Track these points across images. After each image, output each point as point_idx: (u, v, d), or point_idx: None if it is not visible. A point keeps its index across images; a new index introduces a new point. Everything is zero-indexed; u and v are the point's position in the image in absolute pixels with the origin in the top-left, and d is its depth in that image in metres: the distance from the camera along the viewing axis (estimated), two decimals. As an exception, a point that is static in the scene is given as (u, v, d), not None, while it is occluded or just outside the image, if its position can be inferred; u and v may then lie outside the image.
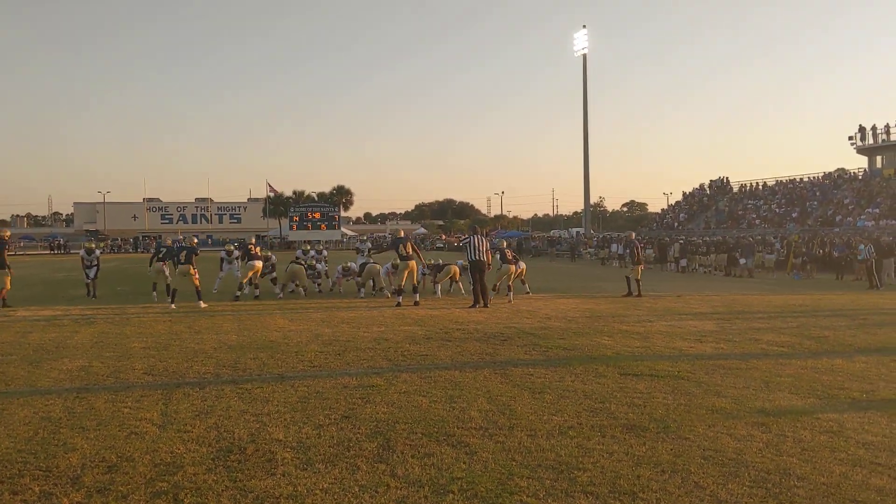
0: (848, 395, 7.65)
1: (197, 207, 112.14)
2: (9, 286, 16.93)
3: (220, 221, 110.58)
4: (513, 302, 18.67)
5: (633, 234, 21.97)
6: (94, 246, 21.77)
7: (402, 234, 19.43)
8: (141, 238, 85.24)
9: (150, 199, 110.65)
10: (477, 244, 17.71)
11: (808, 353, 10.41)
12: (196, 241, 20.59)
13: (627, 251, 21.55)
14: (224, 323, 14.02)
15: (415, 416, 6.89)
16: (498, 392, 7.86)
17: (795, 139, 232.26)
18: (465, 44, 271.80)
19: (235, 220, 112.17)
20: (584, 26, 69.11)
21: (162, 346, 11.19)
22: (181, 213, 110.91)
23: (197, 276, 17.48)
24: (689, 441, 5.96)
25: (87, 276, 20.69)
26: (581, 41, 69.51)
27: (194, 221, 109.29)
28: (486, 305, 17.20)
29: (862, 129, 53.10)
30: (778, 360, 9.79)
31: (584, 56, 69.07)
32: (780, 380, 8.45)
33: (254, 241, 19.50)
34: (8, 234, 17.76)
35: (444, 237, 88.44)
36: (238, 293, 19.39)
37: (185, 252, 17.61)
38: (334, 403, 7.40)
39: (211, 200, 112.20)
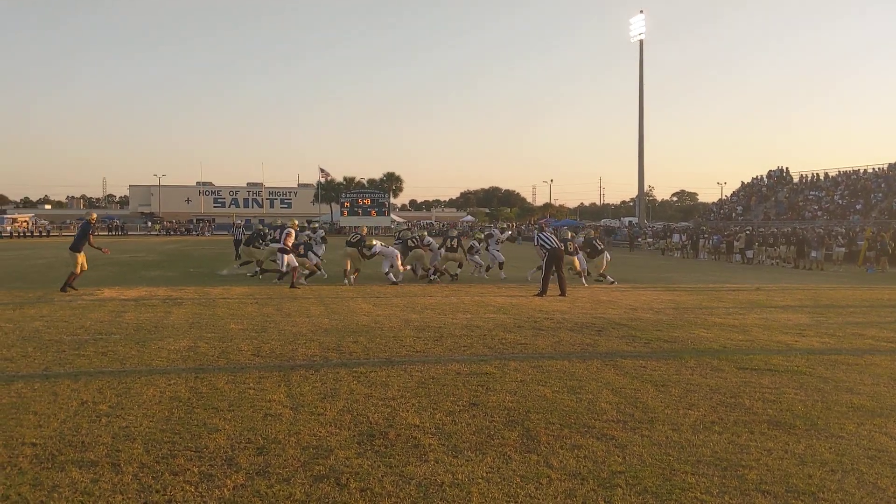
0: None
1: (249, 192, 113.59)
2: (81, 268, 16.77)
3: (272, 206, 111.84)
4: (586, 285, 19.27)
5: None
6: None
7: (455, 232, 22.22)
8: (195, 221, 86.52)
9: (204, 183, 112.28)
10: (549, 236, 18.02)
11: (923, 351, 10.05)
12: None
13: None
14: (311, 307, 14.06)
15: (543, 405, 6.78)
16: (619, 384, 7.69)
17: (851, 129, 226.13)
18: (516, 31, 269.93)
19: (286, 206, 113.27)
20: (641, 11, 67.98)
21: (259, 328, 11.25)
22: (233, 197, 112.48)
23: None
24: (845, 440, 5.74)
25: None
26: (638, 26, 68.37)
27: (246, 206, 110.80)
28: (563, 294, 17.06)
29: (932, 120, 51.43)
30: (894, 357, 9.45)
31: (641, 42, 67.98)
32: (910, 377, 8.15)
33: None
34: (95, 216, 17.82)
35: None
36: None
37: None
38: (454, 390, 7.32)
39: (262, 185, 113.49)
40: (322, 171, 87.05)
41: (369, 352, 9.44)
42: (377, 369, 8.28)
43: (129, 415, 6.33)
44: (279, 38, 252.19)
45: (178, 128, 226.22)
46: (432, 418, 6.30)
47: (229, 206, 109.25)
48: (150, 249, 39.98)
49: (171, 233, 77.59)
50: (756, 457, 5.32)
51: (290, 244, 18.39)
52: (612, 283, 20.25)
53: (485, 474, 4.95)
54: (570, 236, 21.06)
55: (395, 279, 19.17)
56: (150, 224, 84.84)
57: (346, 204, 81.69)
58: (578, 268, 19.89)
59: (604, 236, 38.68)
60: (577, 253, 20.27)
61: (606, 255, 21.20)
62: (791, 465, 5.15)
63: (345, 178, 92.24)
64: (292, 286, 17.53)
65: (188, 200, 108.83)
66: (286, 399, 6.90)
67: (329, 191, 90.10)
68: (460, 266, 21.58)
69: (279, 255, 18.58)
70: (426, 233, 22.83)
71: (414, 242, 21.10)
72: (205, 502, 4.48)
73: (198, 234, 75.44)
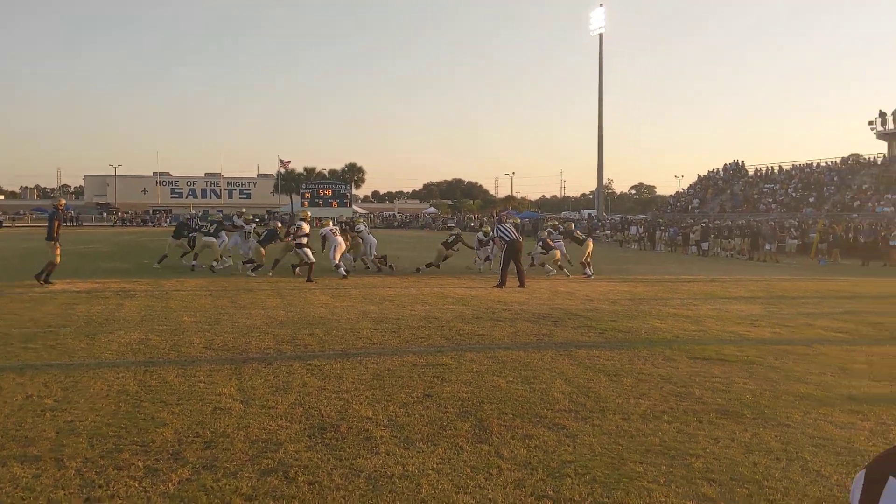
0: (932, 384, 7.52)
1: (207, 182, 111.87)
2: (58, 260, 16.28)
3: (230, 196, 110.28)
4: (570, 277, 19.95)
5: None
6: None
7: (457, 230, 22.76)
8: (151, 212, 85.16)
9: (161, 173, 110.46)
10: (508, 228, 18.15)
11: (870, 340, 10.29)
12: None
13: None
14: (266, 299, 13.91)
15: (497, 396, 6.79)
16: (572, 374, 7.74)
17: (805, 124, 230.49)
18: (478, 24, 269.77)
19: (245, 196, 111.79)
20: (601, 4, 68.31)
21: (212, 320, 11.10)
22: (191, 187, 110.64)
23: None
24: (791, 428, 5.84)
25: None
26: (598, 20, 68.74)
27: (204, 196, 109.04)
28: (521, 286, 17.12)
29: (882, 115, 52.65)
30: (843, 347, 9.66)
31: (601, 35, 68.36)
32: (856, 366, 8.32)
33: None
34: (63, 203, 17.09)
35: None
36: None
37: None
38: (410, 382, 7.30)
39: (221, 175, 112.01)
40: (281, 160, 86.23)
41: (325, 344, 9.37)
42: (332, 362, 8.22)
43: (75, 409, 6.20)
44: (237, 25, 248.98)
45: (134, 117, 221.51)
46: (385, 410, 6.27)
47: (187, 197, 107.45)
48: (105, 240, 39.28)
49: (127, 223, 76.28)
50: (704, 445, 5.39)
51: (303, 240, 18.13)
52: (590, 276, 20.16)
53: (435, 465, 4.94)
54: (545, 234, 21.12)
55: (343, 272, 18.72)
56: (105, 214, 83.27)
57: (306, 195, 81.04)
58: (559, 257, 20.39)
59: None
60: (559, 245, 20.71)
61: (589, 243, 21.39)
62: (737, 453, 5.23)
63: (305, 169, 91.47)
64: (309, 279, 17.34)
65: (145, 191, 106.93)
66: (237, 392, 6.81)
67: (289, 181, 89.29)
68: (440, 262, 21.37)
69: (297, 248, 18.23)
70: (362, 220, 22.33)
71: (344, 228, 20.92)
72: (148, 497, 4.40)
73: (154, 225, 74.25)
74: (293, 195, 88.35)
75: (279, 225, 20.33)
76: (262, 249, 18.91)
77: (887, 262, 27.37)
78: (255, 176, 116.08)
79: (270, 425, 5.81)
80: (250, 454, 5.12)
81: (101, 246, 33.39)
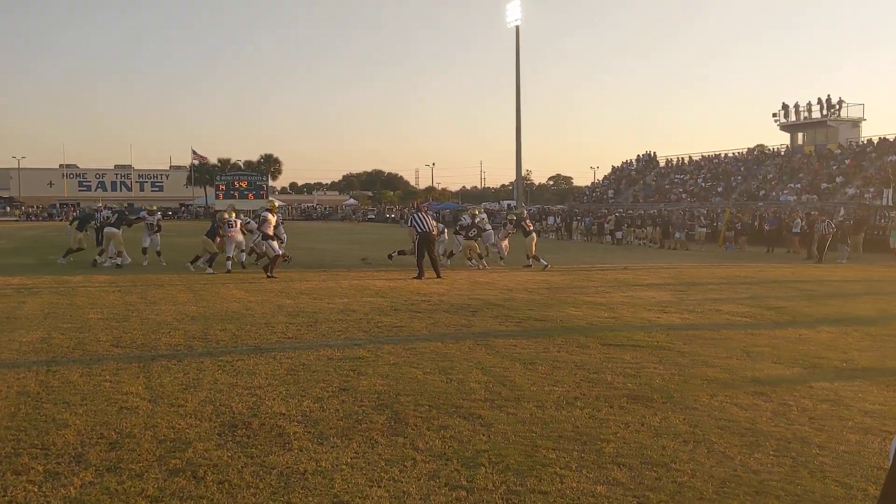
0: (830, 365, 7.87)
1: (117, 174, 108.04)
2: None
3: (142, 189, 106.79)
4: (488, 267, 19.89)
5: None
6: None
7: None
8: (58, 206, 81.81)
9: (68, 166, 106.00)
10: (423, 218, 17.95)
11: (773, 324, 10.69)
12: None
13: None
14: (178, 294, 13.53)
15: (414, 388, 6.77)
16: (489, 363, 7.80)
17: (713, 115, 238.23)
18: (398, 12, 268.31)
19: (157, 189, 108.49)
20: (518, -2, 68.74)
21: (121, 317, 10.72)
22: (100, 180, 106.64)
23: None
24: (698, 411, 6.01)
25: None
26: (514, 12, 69.23)
27: (114, 189, 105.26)
28: (438, 276, 17.15)
29: (785, 107, 54.72)
30: (748, 331, 10.03)
31: (518, 28, 68.91)
32: (760, 349, 8.64)
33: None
34: None
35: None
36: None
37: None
38: (325, 376, 7.21)
39: (132, 168, 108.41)
40: (194, 153, 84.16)
41: (237, 339, 9.17)
42: (244, 357, 8.04)
43: (-30, 413, 5.88)
44: (146, 13, 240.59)
45: (37, 107, 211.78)
46: (299, 406, 6.17)
47: (95, 190, 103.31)
48: (7, 236, 37.54)
49: (32, 218, 73.18)
50: (614, 430, 5.49)
51: (269, 231, 17.62)
52: (545, 266, 20.20)
53: (349, 460, 4.88)
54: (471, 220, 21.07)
55: (228, 267, 18.17)
56: (8, 209, 79.62)
57: (221, 187, 79.36)
58: (475, 247, 20.44)
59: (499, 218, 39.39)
60: (488, 235, 21.10)
61: (534, 235, 21.47)
62: (647, 437, 5.35)
63: (219, 160, 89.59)
64: (270, 275, 16.65)
65: (51, 184, 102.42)
66: (144, 391, 6.58)
67: (203, 173, 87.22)
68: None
69: (265, 242, 17.63)
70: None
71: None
72: (48, 502, 4.20)
73: (61, 220, 71.34)
74: (207, 187, 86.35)
75: (224, 216, 19.78)
76: (211, 241, 18.48)
77: (790, 248, 28.58)
78: (168, 168, 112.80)
79: (179, 424, 5.63)
80: (157, 454, 4.95)
81: (3, 242, 31.92)
